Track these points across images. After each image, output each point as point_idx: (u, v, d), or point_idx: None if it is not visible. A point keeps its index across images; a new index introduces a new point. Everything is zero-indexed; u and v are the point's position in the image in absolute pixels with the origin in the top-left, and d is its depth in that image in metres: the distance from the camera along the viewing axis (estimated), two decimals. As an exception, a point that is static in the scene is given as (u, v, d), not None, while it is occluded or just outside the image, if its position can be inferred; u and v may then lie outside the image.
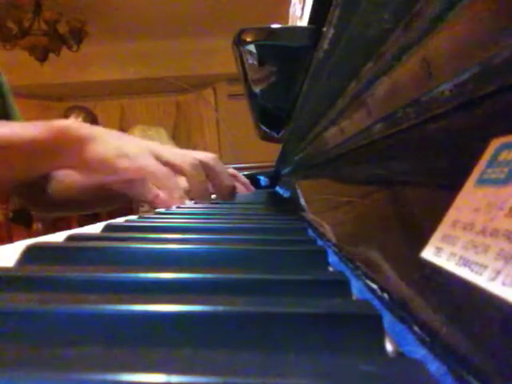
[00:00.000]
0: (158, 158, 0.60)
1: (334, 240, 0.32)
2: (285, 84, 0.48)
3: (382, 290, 0.18)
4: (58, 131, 0.59)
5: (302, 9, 0.52)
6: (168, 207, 0.61)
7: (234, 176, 0.86)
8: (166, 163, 0.60)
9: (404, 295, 0.16)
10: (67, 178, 0.78)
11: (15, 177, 0.65)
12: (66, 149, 0.60)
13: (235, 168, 1.01)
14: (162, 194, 0.61)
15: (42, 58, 3.33)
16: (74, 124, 0.61)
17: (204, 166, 0.64)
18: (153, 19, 3.60)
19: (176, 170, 0.60)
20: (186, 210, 0.58)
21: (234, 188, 0.72)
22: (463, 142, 0.18)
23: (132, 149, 0.59)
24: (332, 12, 0.25)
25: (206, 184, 0.65)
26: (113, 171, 0.60)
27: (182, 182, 0.63)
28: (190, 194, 0.63)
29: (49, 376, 0.10)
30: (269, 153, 1.56)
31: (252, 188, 0.99)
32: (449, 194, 0.16)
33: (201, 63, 4.07)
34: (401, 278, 0.18)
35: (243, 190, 0.93)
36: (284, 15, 0.78)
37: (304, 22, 0.48)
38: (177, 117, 4.69)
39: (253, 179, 1.56)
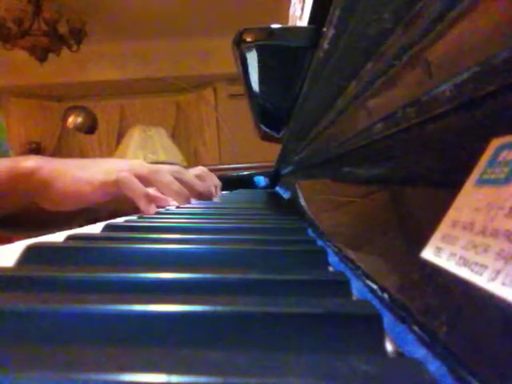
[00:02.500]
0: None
1: (334, 240, 0.32)
2: (285, 84, 0.48)
3: (382, 290, 0.18)
4: (17, 176, 0.60)
5: (302, 9, 0.52)
6: (162, 206, 0.60)
7: (202, 176, 0.83)
8: (138, 176, 0.59)
9: (404, 295, 0.16)
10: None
11: None
12: (26, 192, 0.60)
13: (235, 168, 0.99)
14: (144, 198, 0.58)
15: (42, 58, 3.32)
16: (34, 165, 0.60)
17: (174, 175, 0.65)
18: (153, 19, 3.59)
19: (143, 180, 0.59)
20: (185, 210, 0.58)
21: (208, 193, 0.75)
22: (463, 142, 0.18)
23: (93, 172, 0.60)
24: (332, 12, 0.25)
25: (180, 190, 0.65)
26: (80, 201, 0.60)
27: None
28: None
29: (49, 376, 0.10)
30: (269, 153, 1.56)
31: (214, 193, 0.84)
32: (449, 194, 0.16)
33: (201, 63, 4.07)
34: (401, 278, 0.18)
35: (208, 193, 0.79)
36: (284, 15, 0.78)
37: (304, 22, 0.48)
38: (177, 117, 4.69)
39: (252, 179, 1.56)
